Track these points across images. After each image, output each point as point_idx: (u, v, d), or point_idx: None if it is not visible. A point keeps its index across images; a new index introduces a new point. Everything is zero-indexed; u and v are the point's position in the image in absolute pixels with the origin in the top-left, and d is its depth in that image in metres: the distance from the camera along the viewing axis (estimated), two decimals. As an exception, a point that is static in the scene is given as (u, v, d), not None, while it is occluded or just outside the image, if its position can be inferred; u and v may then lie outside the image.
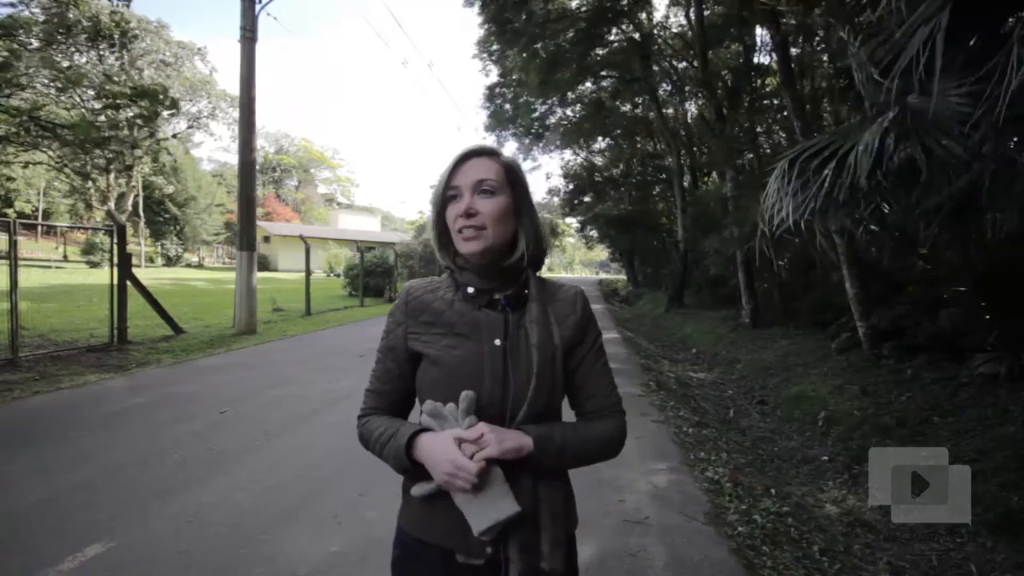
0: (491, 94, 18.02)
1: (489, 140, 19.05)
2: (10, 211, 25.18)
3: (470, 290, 0.96)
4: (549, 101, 17.62)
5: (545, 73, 13.97)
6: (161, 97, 10.37)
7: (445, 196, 0.95)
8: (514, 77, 16.56)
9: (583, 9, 13.68)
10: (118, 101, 10.51)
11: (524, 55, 14.08)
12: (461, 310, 0.95)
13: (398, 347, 0.99)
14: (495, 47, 15.44)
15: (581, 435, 0.95)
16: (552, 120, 19.33)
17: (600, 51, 15.07)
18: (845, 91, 3.69)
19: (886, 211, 3.26)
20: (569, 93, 16.97)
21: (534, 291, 0.97)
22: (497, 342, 0.92)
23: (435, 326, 0.96)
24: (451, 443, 0.85)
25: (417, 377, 0.99)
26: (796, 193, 2.92)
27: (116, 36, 14.06)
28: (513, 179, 0.96)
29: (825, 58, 8.97)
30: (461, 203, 0.92)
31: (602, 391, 0.99)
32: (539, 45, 14.00)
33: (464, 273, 0.97)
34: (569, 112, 19.49)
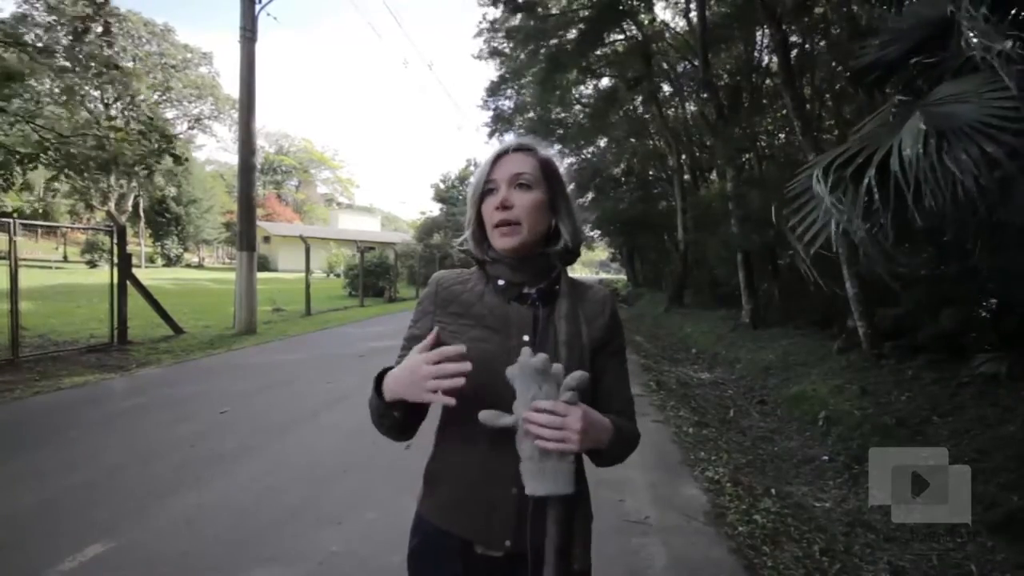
0: (492, 92, 17.97)
1: (490, 141, 19.08)
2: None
3: (501, 283, 0.96)
4: (549, 104, 17.61)
5: (547, 73, 14.01)
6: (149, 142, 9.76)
7: (483, 190, 0.96)
8: (522, 79, 16.61)
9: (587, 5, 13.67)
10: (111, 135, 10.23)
11: (527, 55, 14.13)
12: (491, 303, 0.95)
13: (425, 337, 0.98)
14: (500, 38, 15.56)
15: (624, 433, 0.96)
16: (552, 120, 19.31)
17: (602, 50, 15.08)
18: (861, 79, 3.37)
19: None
20: (569, 93, 16.95)
21: (565, 287, 0.97)
22: (526, 338, 0.92)
23: (463, 317, 0.95)
24: (416, 356, 0.82)
25: None
26: (839, 202, 2.53)
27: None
28: (550, 174, 0.96)
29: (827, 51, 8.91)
30: (497, 196, 0.93)
31: (624, 394, 1.00)
32: (542, 47, 14.02)
33: (496, 265, 0.97)
34: (567, 113, 19.45)
